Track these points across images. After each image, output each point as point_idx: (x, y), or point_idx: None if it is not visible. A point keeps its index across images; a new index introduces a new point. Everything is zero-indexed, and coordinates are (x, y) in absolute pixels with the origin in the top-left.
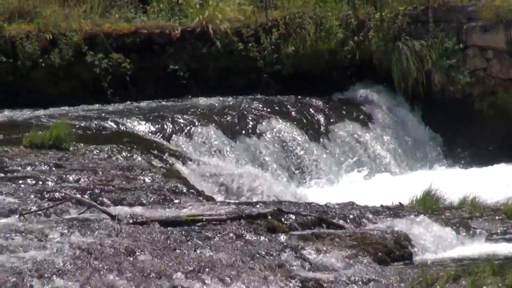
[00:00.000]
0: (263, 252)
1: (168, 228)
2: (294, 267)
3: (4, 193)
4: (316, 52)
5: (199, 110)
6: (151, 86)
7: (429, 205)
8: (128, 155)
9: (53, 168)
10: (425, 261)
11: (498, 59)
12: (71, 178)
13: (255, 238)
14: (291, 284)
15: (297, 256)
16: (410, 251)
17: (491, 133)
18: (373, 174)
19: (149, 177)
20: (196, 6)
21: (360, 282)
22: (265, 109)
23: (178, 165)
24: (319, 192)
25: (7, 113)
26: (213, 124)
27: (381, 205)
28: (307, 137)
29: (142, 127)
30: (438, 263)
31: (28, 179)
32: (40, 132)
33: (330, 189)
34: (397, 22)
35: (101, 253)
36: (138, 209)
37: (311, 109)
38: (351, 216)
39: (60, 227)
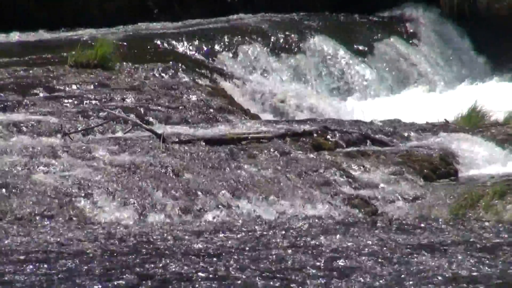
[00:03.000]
0: (308, 170)
1: (214, 147)
2: (339, 184)
3: (49, 112)
4: None
5: (244, 28)
6: (196, 4)
7: (475, 121)
8: (174, 73)
9: (98, 88)
10: (471, 177)
11: None
12: (116, 97)
13: (300, 155)
14: (336, 201)
15: (342, 173)
16: (456, 168)
17: None
18: (417, 91)
19: (195, 96)
20: None
21: (405, 199)
22: (310, 26)
23: (224, 84)
24: (364, 109)
25: (51, 33)
26: (259, 42)
27: (427, 122)
28: (351, 54)
29: (187, 46)
30: (484, 180)
31: (73, 99)
32: (85, 51)
33: (375, 106)
34: None
35: (146, 172)
36: (183, 128)
37: (356, 27)
38: (396, 133)
39: (105, 146)
